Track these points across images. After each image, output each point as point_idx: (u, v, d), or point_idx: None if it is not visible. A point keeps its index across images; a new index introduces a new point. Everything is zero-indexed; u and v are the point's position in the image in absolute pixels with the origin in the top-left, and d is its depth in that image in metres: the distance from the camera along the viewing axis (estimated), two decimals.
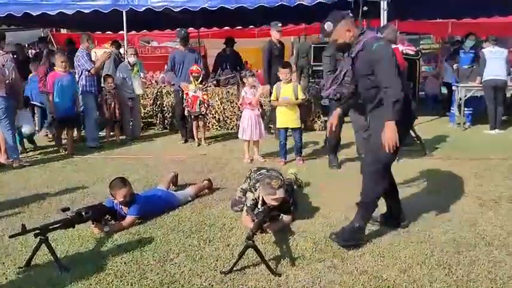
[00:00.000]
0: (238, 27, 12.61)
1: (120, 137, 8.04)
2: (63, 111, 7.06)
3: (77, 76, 7.49)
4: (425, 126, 8.14)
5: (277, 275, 2.94)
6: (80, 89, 7.44)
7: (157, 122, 9.15)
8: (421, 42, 17.85)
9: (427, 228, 3.69)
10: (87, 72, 7.40)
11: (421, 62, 12.61)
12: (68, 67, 7.14)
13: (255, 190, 3.82)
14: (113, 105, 7.80)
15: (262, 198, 3.69)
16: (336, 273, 2.97)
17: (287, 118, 5.95)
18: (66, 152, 7.03)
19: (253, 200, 3.80)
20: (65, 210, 3.46)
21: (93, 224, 3.65)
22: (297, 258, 3.19)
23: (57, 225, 3.30)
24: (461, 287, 2.79)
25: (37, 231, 3.10)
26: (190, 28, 12.50)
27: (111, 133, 8.07)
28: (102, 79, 8.02)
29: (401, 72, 3.54)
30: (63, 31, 15.17)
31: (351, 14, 3.51)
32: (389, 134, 3.19)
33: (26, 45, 13.91)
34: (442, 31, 14.78)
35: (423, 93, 13.18)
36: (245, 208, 3.87)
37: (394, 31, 5.97)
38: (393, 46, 4.28)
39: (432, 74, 13.05)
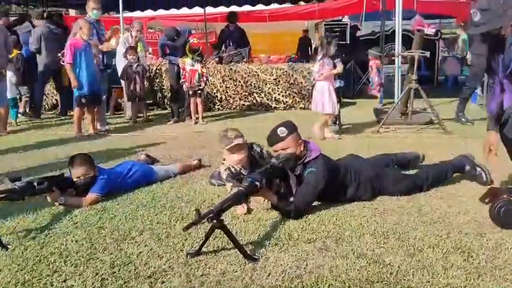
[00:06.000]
0: (246, 6, 11.89)
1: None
2: (90, 87, 6.06)
3: None
4: (445, 107, 7.49)
5: (253, 259, 2.38)
6: None
7: (157, 100, 8.66)
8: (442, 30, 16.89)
9: (443, 208, 3.10)
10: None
11: (440, 43, 12.02)
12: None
13: None
14: (136, 81, 7.21)
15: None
16: (327, 256, 2.40)
17: None
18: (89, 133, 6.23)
19: (226, 169, 3.31)
20: (15, 180, 2.95)
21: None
22: (281, 239, 2.63)
23: (1, 195, 2.81)
24: (484, 274, 2.19)
25: None
26: (196, 7, 12.03)
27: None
28: (125, 51, 7.31)
29: None
30: (72, 13, 14.64)
31: None
32: None
33: None
34: (464, 12, 13.90)
35: (443, 77, 12.50)
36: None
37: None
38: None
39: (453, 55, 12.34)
